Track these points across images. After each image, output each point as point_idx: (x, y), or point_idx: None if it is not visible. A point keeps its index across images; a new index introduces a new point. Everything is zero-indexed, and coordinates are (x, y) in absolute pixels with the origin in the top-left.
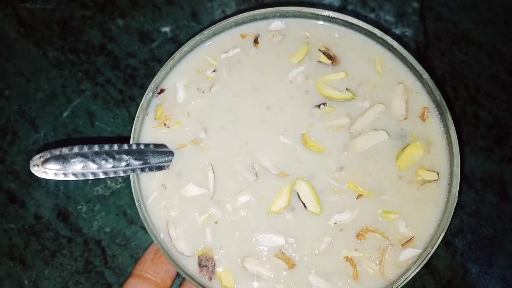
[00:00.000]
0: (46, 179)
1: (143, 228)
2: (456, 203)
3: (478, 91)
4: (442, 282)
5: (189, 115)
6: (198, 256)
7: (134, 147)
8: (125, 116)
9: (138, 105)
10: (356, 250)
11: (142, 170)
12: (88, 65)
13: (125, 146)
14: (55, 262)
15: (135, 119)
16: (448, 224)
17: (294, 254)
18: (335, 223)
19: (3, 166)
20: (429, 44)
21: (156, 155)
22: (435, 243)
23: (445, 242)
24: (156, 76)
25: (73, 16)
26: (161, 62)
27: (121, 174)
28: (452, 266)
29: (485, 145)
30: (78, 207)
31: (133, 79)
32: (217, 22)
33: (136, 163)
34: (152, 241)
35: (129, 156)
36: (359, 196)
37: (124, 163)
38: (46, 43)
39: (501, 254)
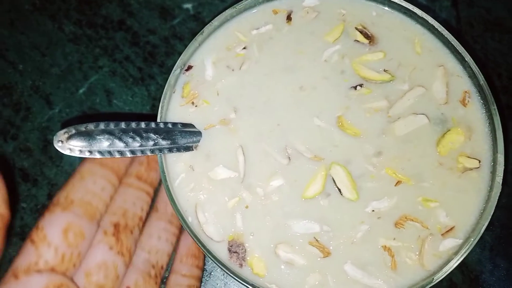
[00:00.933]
0: (61, 157)
1: None
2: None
3: (511, 80)
4: (470, 276)
5: (218, 94)
6: (228, 241)
7: (161, 125)
8: (144, 95)
9: (157, 83)
10: (394, 239)
11: (170, 150)
12: (106, 41)
13: (153, 125)
14: None
15: (162, 96)
16: (491, 214)
17: (329, 242)
18: (373, 210)
19: (16, 143)
20: (461, 30)
21: (184, 135)
22: (478, 234)
23: None
24: (184, 52)
25: None
26: (183, 40)
27: (148, 153)
28: (481, 260)
29: None
30: None
31: (153, 57)
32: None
33: (163, 143)
34: None
35: (157, 135)
36: (398, 183)
37: (151, 142)
38: (63, 16)
39: None
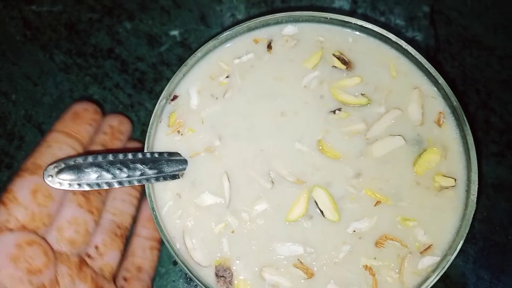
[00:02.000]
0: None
1: None
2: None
3: (489, 96)
4: None
5: (203, 122)
6: (215, 266)
7: (148, 155)
8: (134, 121)
9: (147, 109)
10: (375, 258)
11: (157, 179)
12: (96, 69)
13: (139, 155)
14: None
15: (149, 126)
16: (466, 232)
17: (313, 263)
18: (354, 231)
19: (10, 171)
20: (439, 48)
21: (170, 164)
22: (454, 251)
23: None
24: (169, 82)
25: (80, 19)
26: (170, 66)
27: (136, 183)
28: (464, 273)
29: (496, 151)
30: None
31: (142, 84)
32: (226, 26)
33: (150, 172)
34: None
35: (144, 165)
36: (377, 203)
37: (138, 172)
38: (53, 46)
39: None
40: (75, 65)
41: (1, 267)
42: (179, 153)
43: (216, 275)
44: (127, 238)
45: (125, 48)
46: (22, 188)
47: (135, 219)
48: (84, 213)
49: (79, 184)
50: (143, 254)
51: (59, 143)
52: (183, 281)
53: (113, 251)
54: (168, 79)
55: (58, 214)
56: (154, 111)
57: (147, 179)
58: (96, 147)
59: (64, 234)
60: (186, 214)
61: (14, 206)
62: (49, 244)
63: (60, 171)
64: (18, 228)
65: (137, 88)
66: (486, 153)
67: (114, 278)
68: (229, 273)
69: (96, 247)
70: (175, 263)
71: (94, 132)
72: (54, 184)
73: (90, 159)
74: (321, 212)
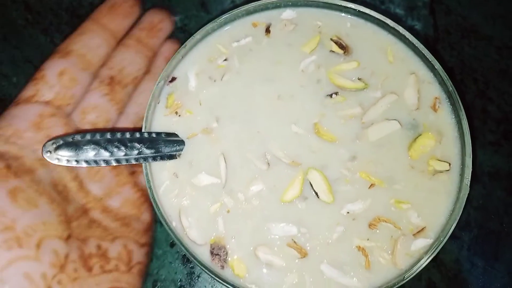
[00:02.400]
0: None
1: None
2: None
3: (487, 85)
4: (449, 275)
5: (200, 104)
6: (210, 244)
7: (146, 135)
8: None
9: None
10: (368, 239)
11: (154, 158)
12: None
13: (137, 134)
14: None
15: (146, 107)
16: (459, 215)
17: (306, 244)
18: (348, 212)
19: None
20: (438, 37)
21: (167, 144)
22: (447, 234)
23: (452, 235)
24: (167, 64)
25: (81, 4)
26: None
27: (133, 162)
28: (459, 260)
29: (493, 140)
30: None
31: None
32: (226, 12)
33: (148, 152)
34: None
35: (141, 144)
36: (372, 185)
37: (136, 151)
38: (54, 30)
39: (508, 248)
40: None
41: (23, 131)
42: (176, 134)
43: (211, 253)
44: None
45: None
46: (51, 68)
47: None
48: (107, 102)
49: (77, 161)
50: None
51: (92, 32)
52: (180, 263)
53: None
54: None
55: (83, 98)
56: (152, 92)
57: (145, 158)
58: (130, 41)
59: (87, 117)
60: (183, 193)
61: (43, 84)
62: (70, 120)
63: (58, 148)
64: (43, 102)
65: None
66: (483, 142)
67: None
68: (224, 251)
69: None
70: (172, 244)
71: (129, 25)
72: (52, 160)
73: (88, 136)
74: (316, 193)
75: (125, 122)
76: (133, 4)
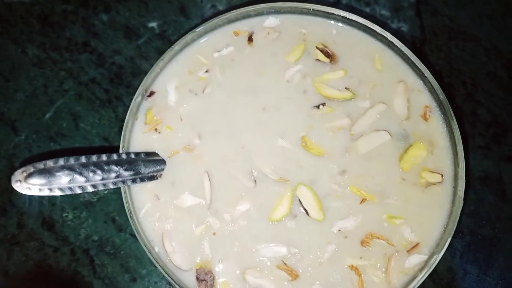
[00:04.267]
0: None
1: (133, 235)
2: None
3: (476, 88)
4: (442, 284)
5: (181, 119)
6: (196, 270)
7: (124, 156)
8: (112, 117)
9: (125, 105)
10: (361, 258)
11: (133, 181)
12: (71, 63)
13: (115, 156)
14: (40, 273)
15: (124, 125)
16: (454, 229)
17: (297, 264)
18: (339, 230)
19: None
20: (425, 39)
21: (147, 164)
22: (442, 249)
23: None
24: (145, 78)
25: (53, 11)
26: (149, 59)
27: (111, 186)
28: (451, 267)
29: (482, 144)
30: (64, 215)
31: (119, 78)
32: (206, 17)
33: (126, 174)
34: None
35: (119, 167)
36: (363, 200)
37: (114, 175)
38: (26, 39)
39: (501, 254)
40: (49, 59)
41: None
42: (156, 153)
43: (197, 279)
44: None
45: (101, 41)
46: None
47: None
48: None
49: (50, 189)
50: None
51: None
52: (166, 283)
53: None
54: (147, 73)
55: None
56: (130, 108)
57: (123, 181)
58: None
59: None
60: (165, 216)
61: None
62: None
63: (29, 176)
64: None
65: (114, 83)
66: (473, 146)
67: None
68: (210, 277)
69: None
70: None
71: None
72: (23, 190)
73: (61, 161)
74: (306, 211)
75: None
76: None
